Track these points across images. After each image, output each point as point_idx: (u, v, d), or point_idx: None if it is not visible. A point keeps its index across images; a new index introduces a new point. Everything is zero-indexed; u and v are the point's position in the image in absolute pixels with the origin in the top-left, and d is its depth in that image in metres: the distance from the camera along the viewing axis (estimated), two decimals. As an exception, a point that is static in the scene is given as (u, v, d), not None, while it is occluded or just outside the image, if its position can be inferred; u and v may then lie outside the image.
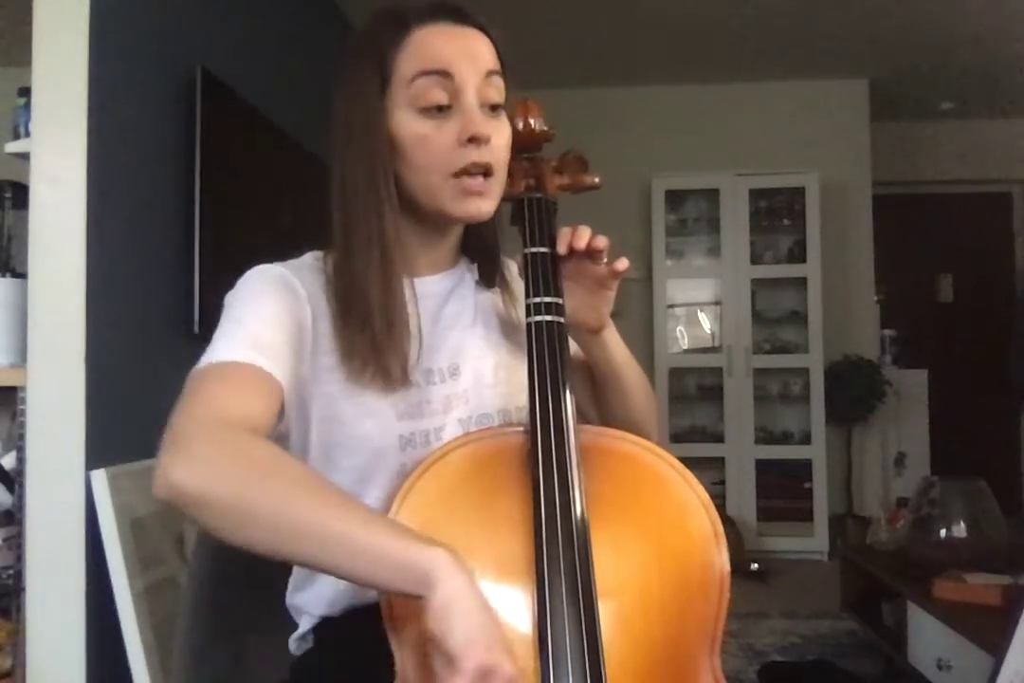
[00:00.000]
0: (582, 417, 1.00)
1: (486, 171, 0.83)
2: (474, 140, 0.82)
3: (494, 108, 0.86)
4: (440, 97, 0.82)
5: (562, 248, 0.86)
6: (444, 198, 0.84)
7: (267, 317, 0.80)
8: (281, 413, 0.79)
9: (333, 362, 0.84)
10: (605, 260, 0.87)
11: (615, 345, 0.93)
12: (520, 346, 0.90)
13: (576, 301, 0.88)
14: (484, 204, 0.85)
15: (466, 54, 0.83)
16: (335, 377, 0.84)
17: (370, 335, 0.82)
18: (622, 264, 0.86)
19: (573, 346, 0.96)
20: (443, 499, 0.75)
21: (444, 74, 0.82)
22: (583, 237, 0.86)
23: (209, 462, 0.65)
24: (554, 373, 0.81)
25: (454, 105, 0.83)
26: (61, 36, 1.70)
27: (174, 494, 0.64)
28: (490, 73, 0.84)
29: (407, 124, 0.83)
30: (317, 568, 0.65)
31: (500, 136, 0.85)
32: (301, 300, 0.84)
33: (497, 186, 0.86)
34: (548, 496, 0.73)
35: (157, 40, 1.99)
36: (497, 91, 0.85)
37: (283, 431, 0.84)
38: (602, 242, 0.86)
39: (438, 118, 0.82)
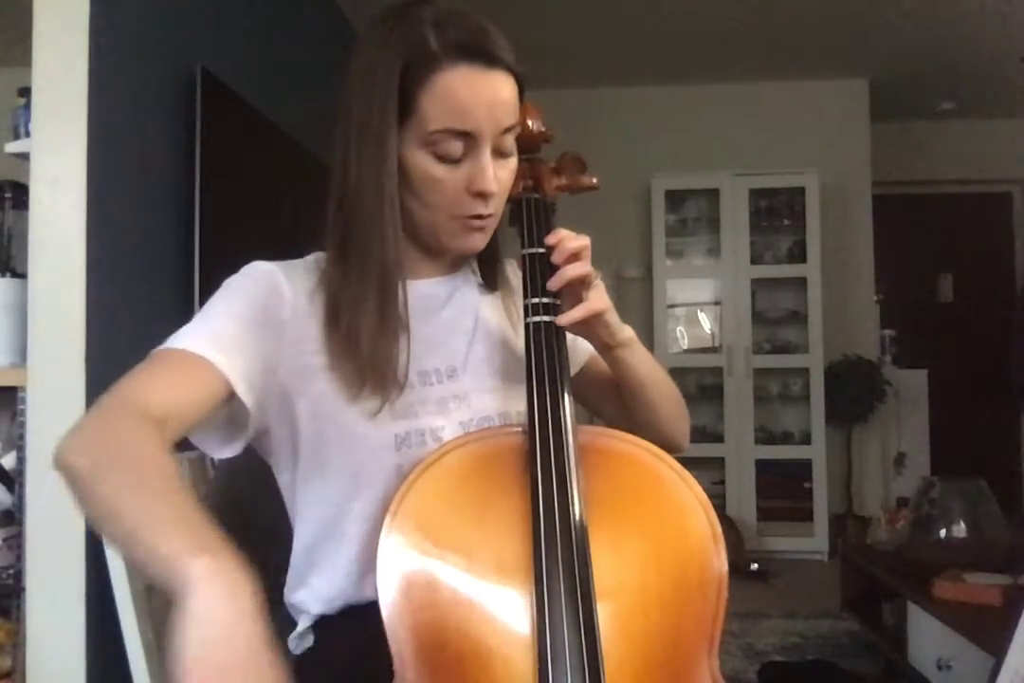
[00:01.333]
0: (605, 421, 1.01)
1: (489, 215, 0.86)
2: (482, 195, 0.83)
3: (506, 153, 0.86)
4: (457, 151, 0.82)
5: (550, 239, 0.86)
6: (443, 234, 0.87)
7: (237, 313, 0.82)
8: (235, 408, 0.80)
9: (323, 363, 0.84)
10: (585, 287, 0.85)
11: (632, 362, 0.92)
12: (523, 349, 0.90)
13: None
14: (481, 239, 0.88)
15: (490, 110, 0.81)
16: (327, 377, 0.84)
17: (363, 342, 0.82)
18: (566, 319, 0.84)
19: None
20: (442, 499, 0.76)
21: (466, 134, 0.82)
22: (565, 242, 0.85)
23: (83, 440, 0.69)
24: (552, 373, 0.81)
25: (469, 154, 0.83)
26: (61, 36, 1.70)
27: (54, 460, 0.68)
28: (508, 129, 0.84)
29: (420, 162, 0.83)
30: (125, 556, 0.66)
31: (505, 172, 0.87)
32: (283, 300, 0.85)
33: (495, 220, 0.89)
34: (546, 496, 0.73)
35: (157, 40, 1.99)
36: (512, 138, 0.86)
37: (261, 427, 0.85)
38: (576, 270, 0.83)
39: (450, 164, 0.83)
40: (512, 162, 0.88)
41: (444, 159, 0.82)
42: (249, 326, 0.81)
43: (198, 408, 0.76)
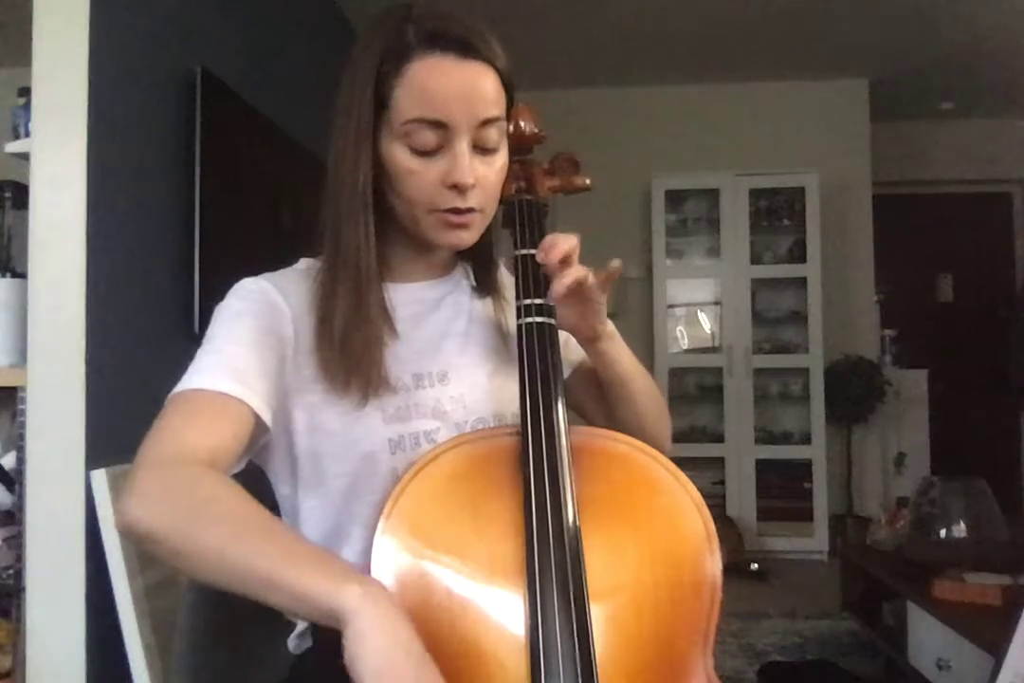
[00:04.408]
0: (590, 424, 1.00)
1: (470, 209, 0.83)
2: (457, 187, 0.81)
3: (489, 148, 0.84)
4: (431, 141, 0.81)
5: (539, 257, 0.85)
6: (425, 228, 0.84)
7: (244, 339, 0.81)
8: (258, 434, 0.81)
9: (314, 373, 0.84)
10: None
11: (616, 355, 0.92)
12: (516, 352, 0.90)
13: (564, 311, 0.88)
14: (466, 235, 0.85)
15: (464, 100, 0.80)
16: (317, 387, 0.84)
17: (342, 352, 0.82)
18: (560, 285, 0.82)
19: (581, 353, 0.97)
20: (435, 501, 0.75)
21: (438, 124, 0.80)
22: (553, 251, 0.83)
23: (155, 501, 0.68)
24: (545, 374, 0.81)
25: (445, 146, 0.81)
26: (61, 36, 1.70)
27: (126, 529, 0.68)
28: (488, 121, 0.82)
29: (397, 156, 0.82)
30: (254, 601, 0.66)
31: (492, 170, 0.84)
32: (284, 317, 0.84)
33: (483, 218, 0.86)
34: (539, 497, 0.73)
35: (157, 40, 1.99)
36: (497, 132, 0.84)
37: (263, 443, 0.85)
38: (568, 279, 0.82)
39: (427, 156, 0.81)
40: (499, 160, 0.85)
41: (419, 151, 0.81)
42: (259, 350, 0.81)
43: (237, 444, 0.77)
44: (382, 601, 0.61)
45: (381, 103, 0.81)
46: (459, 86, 0.80)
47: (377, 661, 0.58)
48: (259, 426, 0.80)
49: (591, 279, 0.84)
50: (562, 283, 0.82)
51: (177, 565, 0.67)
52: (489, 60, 0.82)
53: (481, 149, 0.83)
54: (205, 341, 0.83)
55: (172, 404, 0.77)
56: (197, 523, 0.66)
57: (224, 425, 0.76)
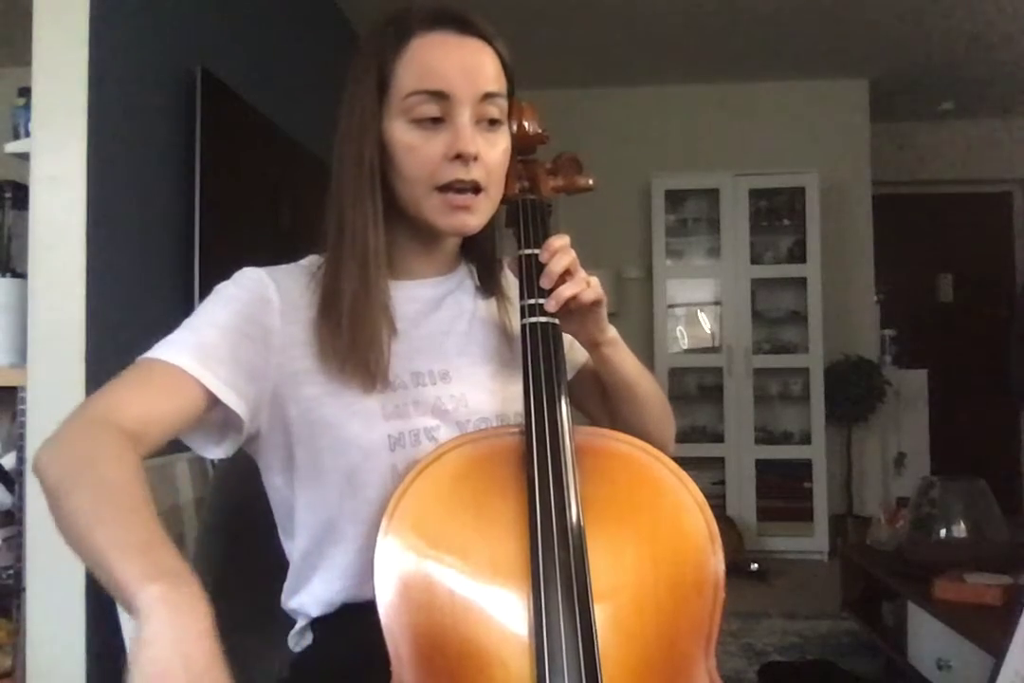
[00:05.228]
0: (595, 424, 1.00)
1: (475, 187, 0.83)
2: (460, 157, 0.81)
3: (492, 122, 0.85)
4: (432, 111, 0.82)
5: (543, 257, 0.86)
6: (429, 210, 0.84)
7: (223, 323, 0.82)
8: (220, 418, 0.81)
9: (312, 365, 0.84)
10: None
11: (619, 359, 0.93)
12: (519, 353, 0.90)
13: (564, 319, 0.87)
14: (470, 219, 0.85)
15: (464, 73, 0.82)
16: (316, 380, 0.84)
17: (348, 336, 0.82)
18: (553, 302, 0.84)
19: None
20: (438, 500, 0.75)
21: (439, 95, 0.81)
22: (556, 265, 0.84)
23: (57, 452, 0.70)
24: (549, 374, 0.80)
25: (447, 119, 0.82)
26: (61, 36, 1.70)
27: (32, 470, 0.70)
28: (488, 96, 0.83)
29: (398, 133, 0.82)
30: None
31: (495, 150, 0.85)
32: (271, 307, 0.84)
33: (487, 202, 0.86)
34: (543, 497, 0.73)
35: (157, 40, 1.99)
36: (497, 109, 0.85)
37: (253, 432, 0.85)
38: (568, 291, 0.83)
39: (429, 130, 0.82)
40: (501, 140, 0.86)
41: (421, 124, 0.82)
42: (234, 336, 0.81)
43: (177, 420, 0.77)
44: (181, 606, 0.57)
45: (383, 86, 0.82)
46: (459, 60, 0.82)
47: (151, 667, 0.54)
48: (220, 409, 0.80)
49: (587, 295, 0.85)
50: (560, 297, 0.83)
51: (56, 523, 0.66)
52: (488, 38, 0.84)
53: (483, 125, 0.84)
54: (190, 316, 0.84)
55: (132, 368, 0.79)
56: (73, 485, 0.66)
57: (168, 399, 0.76)
